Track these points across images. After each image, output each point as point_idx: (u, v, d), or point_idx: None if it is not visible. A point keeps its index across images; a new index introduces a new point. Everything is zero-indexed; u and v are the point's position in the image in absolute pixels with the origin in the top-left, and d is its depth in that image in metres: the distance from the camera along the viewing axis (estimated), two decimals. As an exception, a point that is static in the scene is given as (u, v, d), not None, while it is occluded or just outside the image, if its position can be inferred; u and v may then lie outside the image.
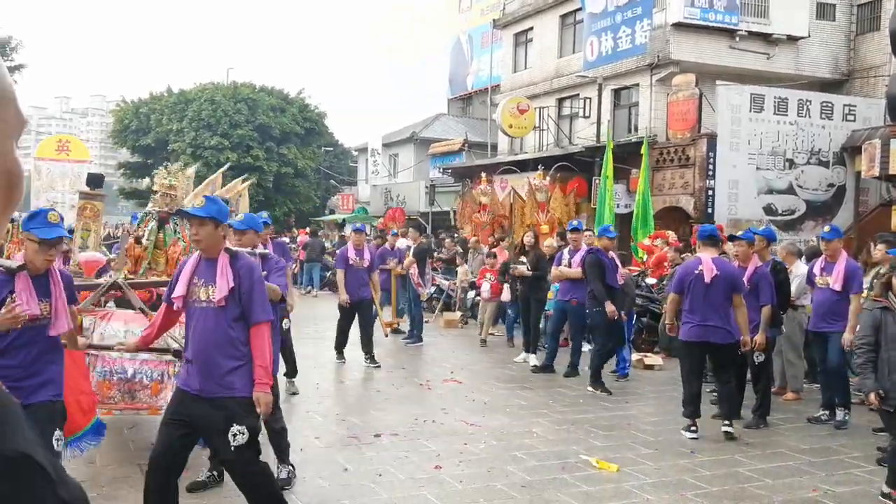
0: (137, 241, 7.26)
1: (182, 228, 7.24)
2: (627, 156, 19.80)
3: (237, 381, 4.48)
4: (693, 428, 7.87)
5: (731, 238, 9.27)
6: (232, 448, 4.40)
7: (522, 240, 12.16)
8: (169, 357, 6.30)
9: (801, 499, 6.07)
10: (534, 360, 11.74)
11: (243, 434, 4.40)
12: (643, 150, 16.16)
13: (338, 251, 12.42)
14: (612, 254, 10.83)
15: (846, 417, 8.37)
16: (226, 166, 12.02)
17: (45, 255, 4.59)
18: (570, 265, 11.21)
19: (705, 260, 7.96)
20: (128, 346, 5.26)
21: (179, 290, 4.62)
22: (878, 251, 9.26)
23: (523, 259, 12.16)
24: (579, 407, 9.23)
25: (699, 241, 8.48)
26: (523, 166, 23.59)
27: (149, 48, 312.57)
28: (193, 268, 4.65)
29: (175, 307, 4.74)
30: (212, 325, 4.52)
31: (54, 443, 4.49)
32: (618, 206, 19.41)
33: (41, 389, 4.55)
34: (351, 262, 11.39)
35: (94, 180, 8.80)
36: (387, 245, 15.48)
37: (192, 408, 4.52)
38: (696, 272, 7.99)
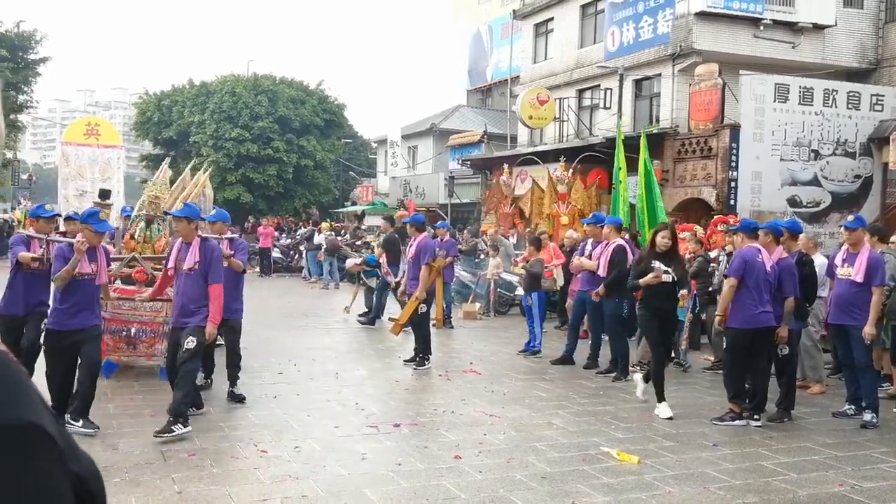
0: (132, 237, 10.17)
1: (164, 228, 10.15)
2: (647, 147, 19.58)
3: (198, 316, 7.20)
4: (756, 417, 8.02)
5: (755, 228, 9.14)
6: (184, 350, 7.04)
7: (654, 239, 8.77)
8: (161, 319, 9.26)
9: (827, 493, 5.94)
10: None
11: (193, 342, 7.06)
12: (642, 142, 15.91)
13: (422, 245, 10.97)
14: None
15: (874, 420, 8.08)
16: (205, 169, 12.51)
17: (97, 239, 7.19)
18: (590, 257, 11.11)
19: (763, 249, 8.18)
20: (143, 298, 8.81)
21: (170, 262, 7.54)
22: None
23: (657, 263, 8.58)
24: (599, 399, 9.13)
25: (743, 233, 8.48)
26: (543, 158, 23.43)
27: (170, 41, 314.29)
28: (178, 248, 7.43)
29: (169, 273, 7.64)
30: (188, 284, 7.29)
31: (95, 350, 7.20)
32: (633, 197, 19.19)
33: (92, 318, 7.21)
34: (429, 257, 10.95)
35: (104, 194, 12.11)
36: (437, 238, 15.21)
37: (178, 334, 7.23)
38: (759, 260, 8.04)
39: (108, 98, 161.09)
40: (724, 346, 8.55)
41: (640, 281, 8.52)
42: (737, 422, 7.94)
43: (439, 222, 16.02)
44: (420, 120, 41.32)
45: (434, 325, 12.96)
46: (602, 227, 11.30)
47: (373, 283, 15.53)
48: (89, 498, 1.00)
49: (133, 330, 9.31)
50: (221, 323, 7.74)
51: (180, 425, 6.82)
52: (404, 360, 10.97)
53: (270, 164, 38.92)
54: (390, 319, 11.34)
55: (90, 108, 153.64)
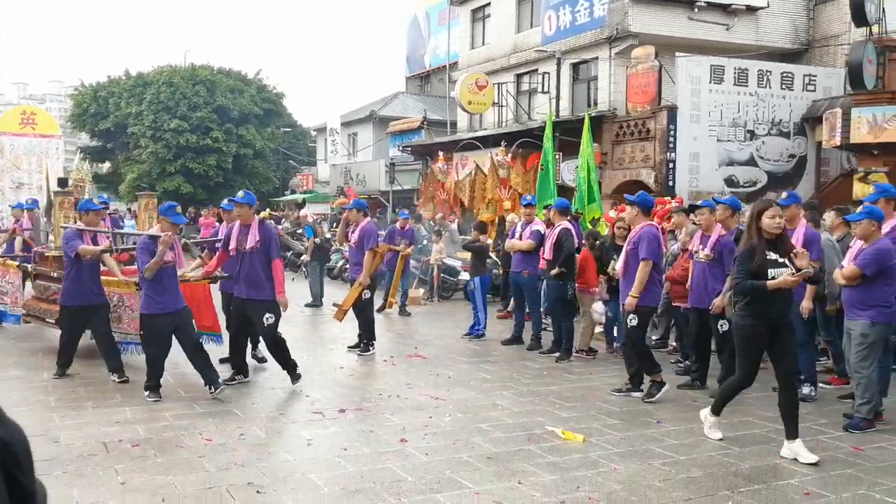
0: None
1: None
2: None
3: (264, 290, 8.27)
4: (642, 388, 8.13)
5: (692, 207, 9.19)
6: (266, 325, 8.37)
7: (760, 223, 6.41)
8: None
9: (768, 465, 6.03)
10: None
11: (272, 318, 8.35)
12: (585, 124, 16.01)
13: (366, 230, 10.73)
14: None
15: (812, 392, 8.25)
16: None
17: (174, 230, 7.86)
18: (521, 238, 11.25)
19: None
20: (196, 277, 9.39)
21: (232, 244, 8.49)
22: (828, 218, 9.12)
23: (774, 255, 6.34)
24: (543, 379, 9.16)
25: (640, 209, 8.34)
26: (483, 143, 23.46)
27: (105, 32, 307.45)
28: (238, 231, 8.49)
29: (231, 254, 8.60)
30: (252, 261, 8.32)
31: (192, 328, 8.09)
32: (573, 181, 19.27)
33: (180, 300, 7.93)
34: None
35: (62, 183, 12.17)
36: (396, 226, 15.27)
37: (244, 304, 8.48)
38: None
39: (42, 91, 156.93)
40: (634, 325, 8.21)
41: (770, 283, 6.08)
42: (635, 393, 8.13)
43: (401, 211, 15.97)
44: (359, 107, 41.06)
45: (378, 310, 13.11)
46: (532, 208, 11.60)
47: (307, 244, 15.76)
48: (13, 461, 1.04)
49: (115, 298, 9.37)
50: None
51: (242, 375, 8.66)
52: (348, 347, 10.89)
53: (210, 154, 38.48)
54: (334, 305, 11.21)
55: (24, 100, 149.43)
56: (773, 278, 6.08)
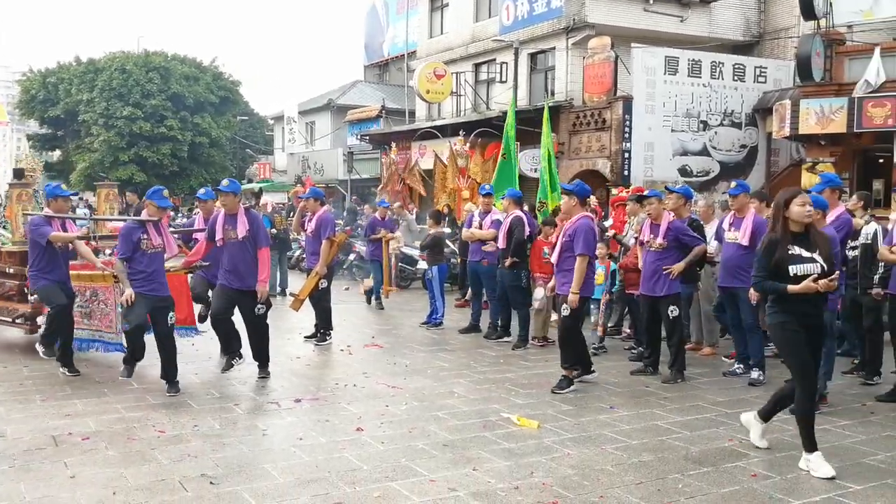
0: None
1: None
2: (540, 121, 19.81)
3: (250, 279, 8.23)
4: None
5: (641, 198, 9.31)
6: (257, 315, 8.40)
7: (788, 212, 5.74)
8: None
9: (718, 448, 6.17)
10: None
11: (262, 309, 8.40)
12: (545, 114, 16.15)
13: (322, 219, 10.70)
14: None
15: (760, 377, 8.44)
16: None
17: (161, 214, 7.86)
18: (480, 227, 11.35)
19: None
20: (177, 268, 9.04)
21: (218, 234, 8.31)
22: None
23: (798, 250, 5.68)
24: (499, 367, 9.25)
25: (578, 198, 8.26)
26: (441, 132, 23.50)
27: (55, 17, 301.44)
28: (223, 220, 8.30)
29: (219, 244, 8.35)
30: (239, 250, 8.23)
31: (168, 318, 7.76)
32: (534, 171, 19.39)
33: (163, 288, 7.76)
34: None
35: (18, 174, 11.64)
36: (377, 215, 15.16)
37: (230, 293, 8.34)
38: None
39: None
40: (567, 315, 8.09)
41: (792, 289, 5.52)
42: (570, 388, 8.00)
43: (379, 200, 15.84)
44: (317, 96, 40.82)
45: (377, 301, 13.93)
46: (490, 197, 11.79)
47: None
48: None
49: (88, 293, 9.00)
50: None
51: (238, 356, 8.45)
52: (305, 337, 10.89)
53: (164, 142, 37.94)
54: (290, 295, 11.20)
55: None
56: (797, 275, 5.53)
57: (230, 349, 8.48)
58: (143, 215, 7.99)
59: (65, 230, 8.69)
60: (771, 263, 5.60)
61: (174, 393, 7.64)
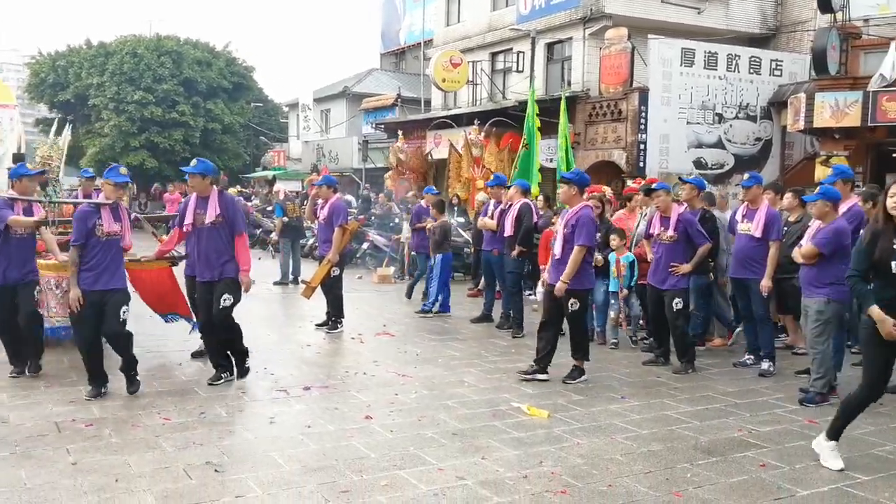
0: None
1: (61, 190, 9.96)
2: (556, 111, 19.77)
3: (226, 269, 7.50)
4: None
5: (648, 191, 9.26)
6: (221, 307, 7.43)
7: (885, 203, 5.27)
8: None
9: (727, 438, 6.15)
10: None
11: (229, 300, 7.45)
12: (562, 105, 16.12)
13: (335, 206, 10.66)
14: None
15: (770, 368, 8.44)
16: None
17: (117, 194, 7.08)
18: (492, 217, 11.32)
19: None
20: (148, 258, 8.26)
21: (188, 219, 7.59)
22: (785, 200, 9.14)
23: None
24: (510, 357, 9.24)
25: (578, 188, 8.05)
26: (457, 121, 23.45)
27: (65, 0, 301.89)
28: (194, 204, 7.57)
29: (187, 230, 7.66)
30: (210, 237, 7.47)
31: (121, 313, 6.93)
32: (550, 161, 19.38)
33: (117, 279, 7.02)
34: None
35: (19, 159, 11.25)
36: (422, 203, 14.73)
37: (204, 287, 7.60)
38: None
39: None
40: (576, 310, 7.94)
41: (874, 314, 5.10)
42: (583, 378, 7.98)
43: (428, 187, 15.49)
44: (333, 83, 40.78)
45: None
46: (501, 188, 11.66)
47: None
48: None
49: (65, 283, 8.16)
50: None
51: (228, 372, 7.70)
52: (316, 325, 10.89)
53: (176, 128, 37.67)
54: (302, 282, 11.20)
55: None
56: None
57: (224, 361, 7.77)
58: (101, 198, 7.32)
59: (31, 214, 7.84)
60: (872, 257, 5.16)
61: (134, 391, 7.09)
